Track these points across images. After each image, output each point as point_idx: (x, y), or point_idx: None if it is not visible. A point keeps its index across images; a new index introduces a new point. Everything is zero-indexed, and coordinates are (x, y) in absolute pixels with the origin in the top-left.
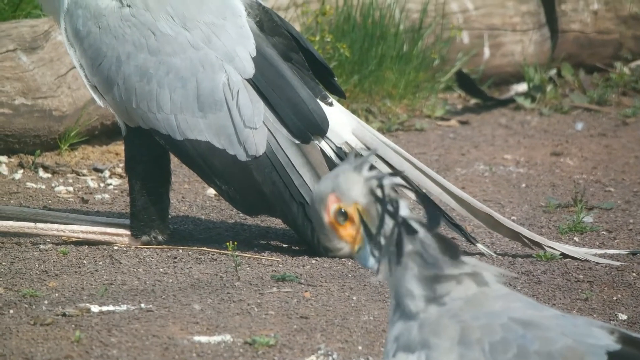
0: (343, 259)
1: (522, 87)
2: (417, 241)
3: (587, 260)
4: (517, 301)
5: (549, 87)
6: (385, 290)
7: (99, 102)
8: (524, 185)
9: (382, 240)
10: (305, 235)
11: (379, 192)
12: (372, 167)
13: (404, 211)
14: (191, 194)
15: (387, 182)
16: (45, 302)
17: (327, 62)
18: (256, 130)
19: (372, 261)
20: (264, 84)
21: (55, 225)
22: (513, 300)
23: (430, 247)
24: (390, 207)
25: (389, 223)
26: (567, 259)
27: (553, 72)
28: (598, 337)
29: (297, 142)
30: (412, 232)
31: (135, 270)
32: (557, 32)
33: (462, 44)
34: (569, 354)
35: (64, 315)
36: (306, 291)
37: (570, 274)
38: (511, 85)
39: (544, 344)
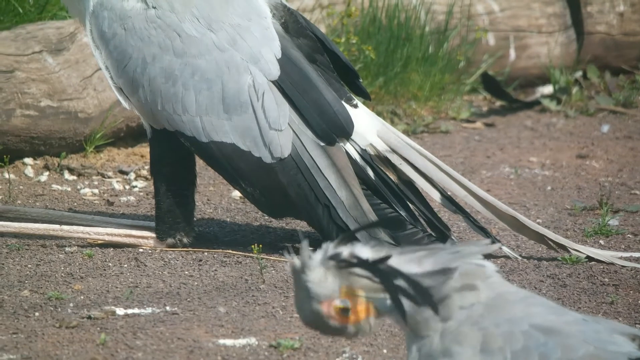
0: None
1: (548, 89)
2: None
3: (612, 264)
4: (538, 305)
5: (575, 89)
6: None
7: (125, 104)
8: (549, 187)
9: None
10: (330, 238)
11: (349, 263)
12: (312, 255)
13: (368, 255)
14: (216, 197)
15: (344, 254)
16: (71, 304)
17: (353, 64)
18: (281, 132)
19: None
20: (289, 85)
21: (81, 228)
22: (533, 304)
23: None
24: (371, 273)
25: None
26: (593, 262)
27: (579, 74)
28: (620, 344)
29: (322, 144)
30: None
31: (160, 272)
32: (583, 34)
33: (488, 45)
34: None
35: (89, 317)
36: None
37: (595, 277)
38: (537, 87)
39: (565, 352)
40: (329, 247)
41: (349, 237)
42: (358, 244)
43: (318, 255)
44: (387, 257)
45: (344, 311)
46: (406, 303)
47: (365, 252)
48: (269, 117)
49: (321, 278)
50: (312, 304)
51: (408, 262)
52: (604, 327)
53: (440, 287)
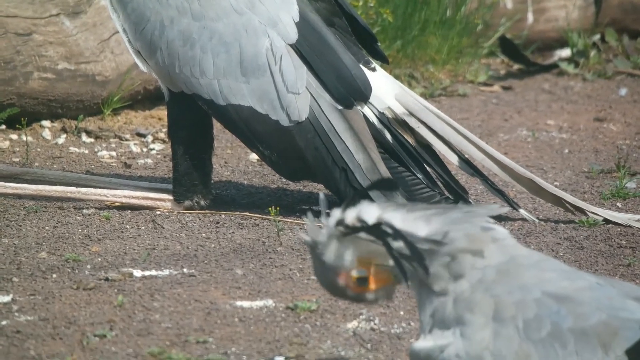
0: None
1: (566, 52)
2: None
3: (630, 226)
4: (551, 270)
5: (593, 53)
6: None
7: (142, 66)
8: (566, 150)
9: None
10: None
11: (355, 228)
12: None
13: (373, 215)
14: (234, 159)
15: (348, 220)
16: (88, 266)
17: (370, 27)
18: (299, 95)
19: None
20: (307, 49)
21: (98, 190)
22: (546, 269)
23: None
24: (378, 234)
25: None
26: (610, 225)
27: (597, 37)
28: (633, 311)
29: (339, 107)
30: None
31: (177, 235)
32: None
33: (506, 9)
34: (603, 329)
35: (106, 279)
36: None
37: (612, 240)
38: (554, 50)
39: (578, 321)
40: (336, 214)
41: (357, 198)
42: (366, 204)
43: (326, 228)
44: (385, 221)
45: (361, 281)
46: (406, 264)
47: (373, 211)
48: (286, 80)
49: (335, 250)
50: (329, 276)
51: (416, 220)
52: (618, 292)
53: (439, 249)
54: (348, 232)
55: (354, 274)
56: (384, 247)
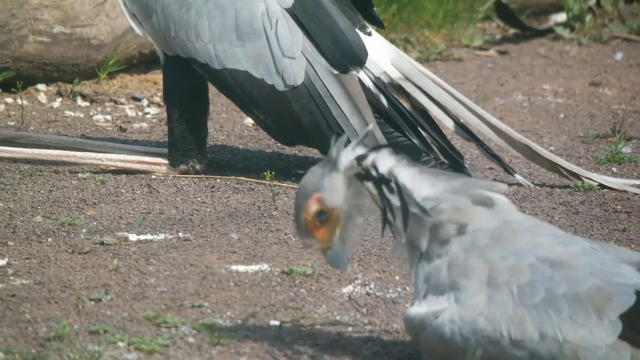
0: None
1: (561, 17)
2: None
3: (625, 191)
4: (544, 235)
5: (588, 17)
6: None
7: (138, 30)
8: (562, 115)
9: (389, 216)
10: None
11: (367, 174)
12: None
13: (386, 165)
14: (229, 123)
15: (367, 161)
16: (84, 230)
17: None
18: (294, 60)
19: (341, 262)
20: (302, 13)
21: (93, 154)
22: (540, 234)
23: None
24: (382, 182)
25: (391, 198)
26: (605, 190)
27: (592, 2)
28: (626, 276)
29: (335, 72)
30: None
31: (173, 199)
32: None
33: None
34: (596, 295)
35: (102, 243)
36: None
37: (608, 205)
38: (550, 15)
39: (571, 286)
40: (358, 150)
41: (379, 148)
42: (385, 152)
43: (348, 154)
44: (394, 175)
45: (318, 217)
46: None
47: (387, 161)
48: (282, 44)
49: (340, 185)
50: (313, 186)
51: (422, 181)
52: (612, 257)
53: (423, 217)
54: (359, 173)
55: (325, 203)
56: (378, 198)
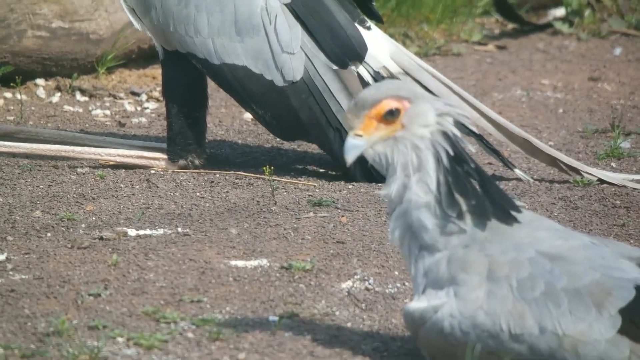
0: (380, 185)
1: (560, 11)
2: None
3: (624, 186)
4: (544, 229)
5: (587, 12)
6: None
7: (137, 24)
8: (561, 110)
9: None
10: (341, 161)
11: (448, 130)
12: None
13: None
14: (228, 118)
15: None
16: (83, 225)
17: None
18: (294, 55)
19: (352, 154)
20: (302, 8)
21: (92, 149)
22: (539, 228)
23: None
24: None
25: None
26: (604, 185)
27: None
28: (626, 270)
29: (334, 67)
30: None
31: (172, 194)
32: None
33: None
34: (596, 289)
35: (101, 238)
36: (343, 216)
37: (607, 200)
38: (549, 9)
39: (571, 280)
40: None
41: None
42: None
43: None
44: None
45: (387, 115)
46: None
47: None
48: (281, 40)
49: (428, 115)
50: (408, 92)
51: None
52: (612, 251)
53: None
54: (444, 130)
55: (403, 113)
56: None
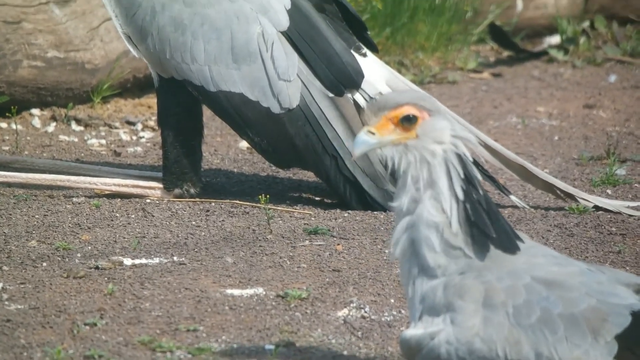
0: (375, 213)
1: (555, 39)
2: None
3: (619, 213)
4: (540, 256)
5: (582, 40)
6: None
7: (133, 51)
8: (556, 137)
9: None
10: (337, 189)
11: (460, 151)
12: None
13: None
14: (223, 147)
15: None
16: (78, 255)
17: (360, 15)
18: (290, 82)
19: (360, 149)
20: (298, 36)
21: (88, 178)
22: (536, 254)
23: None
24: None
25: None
26: (600, 212)
27: (586, 24)
28: (622, 296)
29: (330, 95)
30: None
31: (167, 223)
32: None
33: None
34: (592, 315)
35: (96, 268)
36: (338, 244)
37: (603, 227)
38: (544, 37)
39: (567, 306)
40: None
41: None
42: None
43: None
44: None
45: (404, 121)
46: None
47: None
48: (277, 67)
49: (445, 130)
50: (430, 104)
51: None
52: (608, 278)
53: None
54: (457, 153)
55: (420, 122)
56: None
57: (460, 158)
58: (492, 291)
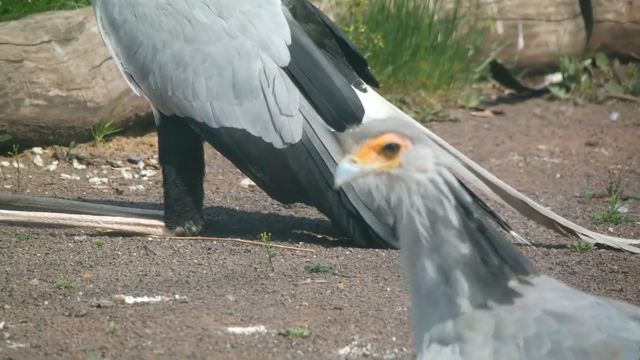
0: (377, 250)
1: (557, 77)
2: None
3: (621, 251)
4: (551, 290)
5: (584, 77)
6: None
7: (135, 90)
8: (558, 175)
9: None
10: (340, 224)
11: (443, 184)
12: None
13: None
14: (225, 185)
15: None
16: (80, 293)
17: (361, 52)
18: (292, 117)
19: (343, 177)
20: (299, 72)
21: (90, 217)
22: (547, 289)
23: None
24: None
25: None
26: (602, 250)
27: (588, 62)
28: (633, 331)
29: (332, 130)
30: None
31: (169, 261)
32: (591, 22)
33: (497, 34)
34: (602, 349)
35: (98, 306)
36: (340, 282)
37: (604, 265)
38: (546, 75)
39: (578, 340)
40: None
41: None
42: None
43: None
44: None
45: (386, 149)
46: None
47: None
48: (279, 102)
49: (427, 158)
50: (410, 131)
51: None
52: (618, 312)
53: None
54: (450, 184)
55: (403, 152)
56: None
57: (448, 184)
58: (502, 323)
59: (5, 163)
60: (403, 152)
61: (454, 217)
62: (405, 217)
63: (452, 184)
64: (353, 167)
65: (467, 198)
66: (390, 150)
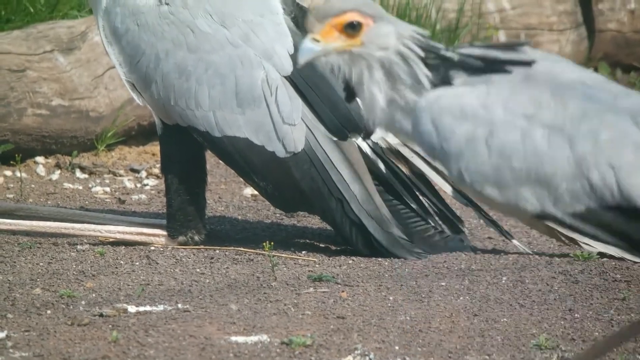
0: (380, 259)
1: None
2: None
3: (624, 259)
4: (559, 62)
5: None
6: (422, 290)
7: (137, 99)
8: None
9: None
10: (343, 232)
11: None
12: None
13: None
14: (228, 194)
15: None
16: (83, 302)
17: None
18: (295, 126)
19: (305, 57)
20: (301, 81)
21: (92, 226)
22: (556, 60)
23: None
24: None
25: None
26: (605, 259)
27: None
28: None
29: (334, 139)
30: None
31: (172, 270)
32: (594, 31)
33: None
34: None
35: (101, 315)
36: (343, 291)
37: (607, 274)
38: None
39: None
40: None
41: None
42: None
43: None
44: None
45: (348, 27)
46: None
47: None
48: (282, 111)
49: (390, 35)
50: (371, 8)
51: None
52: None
53: None
54: (425, 48)
55: (365, 30)
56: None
57: (414, 52)
58: (533, 75)
59: (8, 172)
60: (365, 30)
61: (424, 79)
62: (367, 93)
63: (408, 54)
64: (316, 46)
65: (424, 70)
66: (352, 28)
